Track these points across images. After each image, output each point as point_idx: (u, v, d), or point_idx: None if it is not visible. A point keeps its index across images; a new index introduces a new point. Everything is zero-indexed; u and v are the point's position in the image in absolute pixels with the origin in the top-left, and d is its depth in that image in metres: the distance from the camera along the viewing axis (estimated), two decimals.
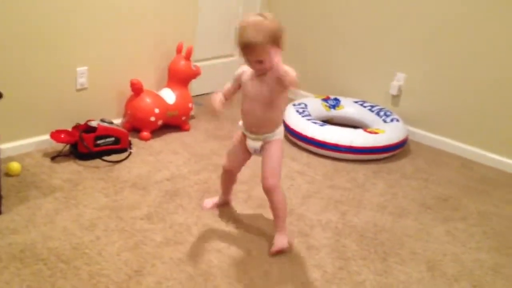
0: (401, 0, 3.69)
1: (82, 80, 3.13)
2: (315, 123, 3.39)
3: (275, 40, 2.04)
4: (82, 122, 3.04)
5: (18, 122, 2.91)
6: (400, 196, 2.95)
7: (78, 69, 3.09)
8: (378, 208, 2.80)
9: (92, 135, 2.96)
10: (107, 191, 2.67)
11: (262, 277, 2.16)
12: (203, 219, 2.52)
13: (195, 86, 3.83)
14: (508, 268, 2.39)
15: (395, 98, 3.84)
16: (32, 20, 2.81)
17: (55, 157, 2.92)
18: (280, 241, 2.32)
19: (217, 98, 2.23)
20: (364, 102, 3.81)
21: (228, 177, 2.52)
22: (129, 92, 3.29)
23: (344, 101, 3.85)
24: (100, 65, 3.20)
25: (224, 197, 2.63)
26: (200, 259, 2.23)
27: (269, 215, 2.53)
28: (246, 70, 2.23)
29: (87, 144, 2.92)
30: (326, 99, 3.84)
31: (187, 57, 3.45)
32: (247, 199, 2.74)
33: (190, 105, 3.51)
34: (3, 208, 2.38)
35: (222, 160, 2.52)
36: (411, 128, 3.70)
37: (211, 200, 2.62)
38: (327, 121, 3.71)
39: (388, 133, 3.36)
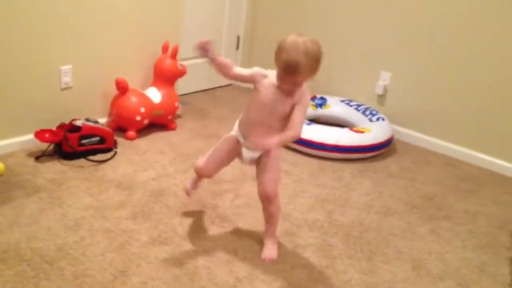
0: (388, 2, 3.70)
1: (66, 79, 3.10)
2: None
3: (317, 65, 2.00)
4: (66, 122, 3.01)
5: (2, 121, 2.88)
6: (386, 195, 2.96)
7: (62, 67, 3.06)
8: (364, 207, 2.80)
9: (76, 134, 2.93)
10: (91, 191, 2.65)
11: (248, 276, 2.15)
12: (189, 219, 2.51)
13: (181, 85, 3.81)
14: (493, 267, 2.40)
15: (381, 97, 3.85)
16: (15, 18, 2.78)
17: (40, 156, 2.90)
18: (272, 251, 2.30)
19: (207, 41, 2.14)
20: (351, 101, 3.82)
21: (199, 179, 2.46)
22: (114, 91, 3.27)
23: (330, 100, 3.86)
24: (85, 64, 3.17)
25: (199, 181, 2.51)
26: (186, 259, 2.22)
27: (256, 214, 2.53)
28: (268, 76, 2.10)
29: (72, 144, 2.89)
30: (312, 98, 3.84)
31: (173, 56, 3.43)
32: (234, 198, 2.73)
33: (176, 104, 3.49)
34: None
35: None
36: (397, 127, 3.72)
37: (189, 182, 2.50)
38: (314, 120, 3.71)
39: (374, 132, 3.37)
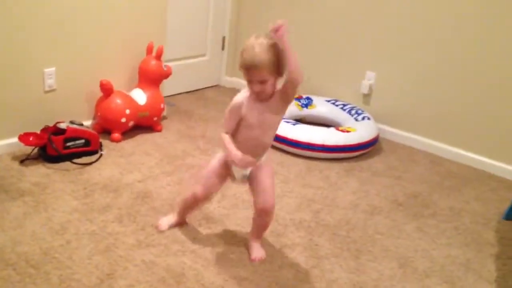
0: (372, 0, 3.73)
1: (50, 82, 3.08)
2: (287, 122, 3.40)
3: (280, 63, 1.97)
4: (51, 124, 2.99)
5: None
6: (372, 194, 2.97)
7: (46, 70, 3.04)
8: (350, 206, 2.81)
9: (61, 137, 2.91)
10: (77, 194, 2.64)
11: (235, 278, 2.15)
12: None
13: (167, 86, 3.80)
14: (479, 264, 2.42)
15: (366, 97, 3.86)
16: None
17: (24, 160, 2.87)
18: (261, 251, 2.31)
19: (239, 156, 2.05)
20: (336, 101, 3.83)
21: (197, 205, 2.40)
22: (99, 93, 3.26)
23: (316, 100, 3.86)
24: (69, 66, 3.15)
25: (182, 218, 2.47)
26: (172, 261, 2.21)
27: (242, 215, 2.54)
28: (243, 101, 2.07)
29: (56, 147, 2.87)
30: (298, 98, 3.84)
31: (158, 57, 3.42)
32: (221, 199, 2.73)
33: (161, 105, 3.48)
34: None
35: (194, 187, 2.32)
36: (382, 126, 3.74)
37: (167, 220, 2.45)
38: (300, 120, 3.72)
39: (359, 132, 3.38)
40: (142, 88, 3.42)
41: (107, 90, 3.22)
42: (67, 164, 2.90)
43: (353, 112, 3.66)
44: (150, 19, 3.57)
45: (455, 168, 3.41)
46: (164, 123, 3.59)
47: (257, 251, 2.31)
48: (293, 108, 3.76)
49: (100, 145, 3.11)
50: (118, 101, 3.25)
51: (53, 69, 3.07)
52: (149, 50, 3.45)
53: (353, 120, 3.57)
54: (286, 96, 2.04)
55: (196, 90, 4.40)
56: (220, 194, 2.75)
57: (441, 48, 3.45)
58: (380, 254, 2.42)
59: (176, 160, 3.10)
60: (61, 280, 2.02)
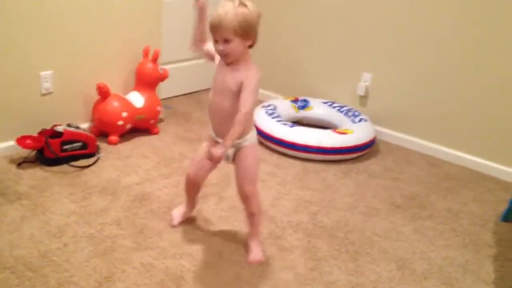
0: (367, 2, 3.72)
1: (47, 85, 3.07)
2: (284, 124, 3.40)
3: (246, 26, 1.98)
4: (48, 128, 2.98)
5: None
6: (370, 195, 2.98)
7: (42, 73, 3.04)
8: (348, 208, 2.81)
9: (58, 140, 2.91)
10: (74, 197, 2.63)
11: (234, 280, 2.15)
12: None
13: (163, 89, 3.80)
14: (477, 265, 2.43)
15: (363, 99, 3.87)
16: None
17: (21, 163, 2.87)
18: (258, 253, 2.31)
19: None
20: (333, 102, 3.83)
21: (192, 187, 2.41)
22: (96, 96, 3.25)
23: (313, 102, 3.87)
24: (65, 69, 3.15)
25: (191, 206, 2.51)
26: (171, 263, 2.21)
27: (240, 216, 2.53)
28: (217, 62, 2.16)
29: (54, 150, 2.87)
30: (295, 101, 3.85)
31: (154, 60, 3.42)
32: (218, 201, 2.73)
33: (158, 108, 3.48)
34: None
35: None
36: (379, 128, 3.74)
37: (178, 213, 2.50)
38: (297, 122, 3.72)
39: (356, 133, 3.39)
40: (139, 91, 3.42)
41: (104, 93, 3.22)
42: (64, 167, 2.90)
43: (350, 114, 3.67)
44: (146, 22, 3.56)
45: (452, 170, 3.41)
46: (161, 125, 3.59)
47: (254, 253, 2.31)
48: (290, 110, 3.76)
49: (97, 148, 3.11)
50: (115, 104, 3.25)
51: (49, 72, 3.07)
52: (146, 53, 3.45)
53: (350, 122, 3.57)
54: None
55: (193, 92, 4.39)
56: (218, 197, 2.76)
57: (437, 49, 3.46)
58: (378, 256, 2.42)
59: (173, 163, 3.10)
60: (59, 283, 2.02)
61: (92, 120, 3.37)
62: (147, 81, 3.44)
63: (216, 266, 2.23)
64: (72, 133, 2.97)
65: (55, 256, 2.16)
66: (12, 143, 2.89)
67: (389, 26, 3.65)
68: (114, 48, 3.41)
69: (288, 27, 4.16)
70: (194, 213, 2.57)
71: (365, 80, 3.82)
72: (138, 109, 3.35)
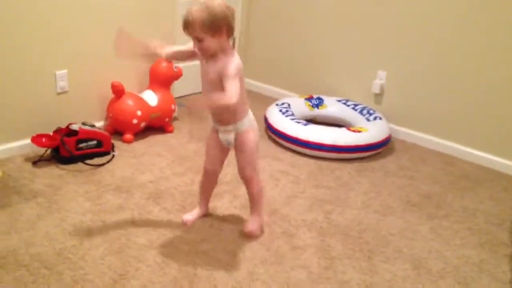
0: (382, 0, 3.71)
1: (62, 84, 3.10)
2: (298, 122, 3.39)
3: (213, 22, 2.02)
4: (63, 126, 3.00)
5: None
6: (385, 194, 2.96)
7: (58, 72, 3.06)
8: (362, 207, 2.80)
9: (73, 138, 2.93)
10: (89, 195, 2.65)
11: (248, 278, 2.15)
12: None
13: (177, 88, 3.80)
14: (493, 265, 2.40)
15: (378, 97, 3.85)
16: (10, 24, 2.78)
17: (37, 161, 2.89)
18: (253, 225, 2.40)
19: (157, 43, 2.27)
20: (347, 100, 3.82)
21: (210, 179, 2.47)
22: (110, 94, 3.27)
23: (327, 100, 3.85)
24: (80, 68, 3.17)
25: (204, 207, 2.55)
26: (185, 261, 2.21)
27: None
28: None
29: (69, 148, 2.89)
30: (309, 99, 3.84)
31: None
32: (232, 199, 2.73)
33: (172, 106, 3.49)
34: None
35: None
36: (394, 126, 3.72)
37: (190, 215, 2.52)
38: (311, 120, 3.71)
39: (371, 132, 3.37)
40: (153, 90, 3.43)
41: (118, 92, 3.23)
42: (79, 165, 2.92)
43: (364, 112, 3.65)
44: (160, 21, 3.57)
45: (467, 168, 3.38)
46: (175, 124, 3.60)
47: (250, 225, 2.40)
48: (304, 108, 3.75)
49: (112, 146, 3.12)
50: (130, 102, 3.26)
51: (65, 71, 3.09)
52: None
53: (365, 120, 3.55)
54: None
55: None
56: (232, 195, 2.76)
57: (453, 47, 3.43)
58: (393, 255, 2.40)
59: (187, 161, 3.11)
60: (74, 280, 2.03)
61: (106, 119, 3.39)
62: (162, 79, 3.45)
63: (229, 264, 2.23)
64: (87, 132, 2.99)
65: (70, 254, 2.18)
66: (28, 141, 2.92)
67: (404, 24, 3.62)
68: None
69: (304, 25, 4.15)
70: (209, 211, 2.58)
71: (380, 78, 3.80)
72: (153, 107, 3.36)
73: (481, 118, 3.40)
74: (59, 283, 2.01)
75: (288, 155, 3.33)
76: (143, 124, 3.33)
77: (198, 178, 2.85)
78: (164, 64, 3.42)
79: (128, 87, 3.31)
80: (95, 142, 3.01)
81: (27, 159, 2.92)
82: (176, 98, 3.69)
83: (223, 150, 2.37)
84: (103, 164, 2.96)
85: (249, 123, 2.28)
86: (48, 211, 2.48)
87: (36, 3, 2.86)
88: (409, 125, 3.73)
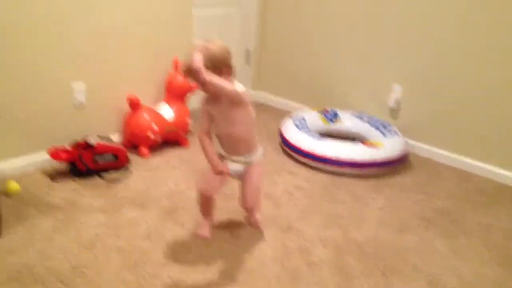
0: (396, 13, 3.70)
1: (79, 96, 3.12)
2: (313, 137, 3.39)
3: (217, 64, 2.09)
4: (79, 138, 3.02)
5: (15, 138, 2.91)
6: (400, 210, 2.94)
7: (74, 85, 3.09)
8: (378, 223, 2.78)
9: (90, 152, 2.94)
10: (105, 209, 2.66)
11: None
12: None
13: (192, 100, 3.81)
14: (510, 282, 2.37)
15: (393, 111, 3.83)
16: (29, 38, 2.82)
17: (53, 175, 2.91)
18: (254, 216, 2.55)
19: (216, 161, 2.26)
20: (363, 114, 3.80)
21: (207, 201, 2.42)
22: (126, 107, 3.29)
23: (342, 114, 3.84)
24: (97, 81, 3.20)
25: (210, 217, 2.50)
26: (200, 277, 2.21)
27: (270, 233, 2.52)
28: (205, 101, 2.26)
29: (86, 162, 2.91)
30: (324, 112, 3.83)
31: None
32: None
33: (188, 119, 3.50)
34: (1, 228, 2.37)
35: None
36: (410, 141, 3.70)
37: (205, 228, 2.47)
38: (326, 134, 3.70)
39: (387, 147, 3.35)
40: (169, 103, 3.45)
41: (134, 105, 3.25)
42: (95, 179, 2.93)
43: (380, 126, 3.63)
44: (176, 35, 3.60)
45: (483, 184, 3.35)
46: (191, 137, 3.61)
47: (252, 216, 2.54)
48: (319, 122, 3.75)
49: (128, 160, 3.14)
50: (146, 116, 3.28)
51: (82, 84, 3.12)
52: (175, 65, 3.48)
53: (381, 135, 3.53)
54: (231, 99, 2.16)
55: None
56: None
57: (469, 61, 3.41)
58: (409, 272, 2.38)
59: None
60: None
61: (122, 132, 3.41)
62: (177, 93, 3.47)
63: (244, 280, 2.22)
64: (104, 146, 3.01)
65: (85, 268, 2.19)
66: (44, 154, 2.94)
67: (419, 38, 3.61)
68: (144, 60, 3.45)
69: (318, 39, 4.15)
70: (223, 226, 2.58)
71: (395, 91, 3.79)
72: (168, 121, 3.37)
73: (498, 133, 3.37)
74: None
75: (303, 169, 3.33)
76: (158, 138, 3.34)
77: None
78: (180, 77, 3.44)
79: (144, 100, 3.33)
80: (111, 156, 3.03)
81: (43, 172, 2.95)
82: (191, 111, 3.69)
83: (225, 179, 2.34)
84: (119, 178, 2.98)
85: (260, 156, 2.35)
86: (64, 224, 2.49)
87: (54, 20, 2.89)
88: (424, 139, 3.71)
